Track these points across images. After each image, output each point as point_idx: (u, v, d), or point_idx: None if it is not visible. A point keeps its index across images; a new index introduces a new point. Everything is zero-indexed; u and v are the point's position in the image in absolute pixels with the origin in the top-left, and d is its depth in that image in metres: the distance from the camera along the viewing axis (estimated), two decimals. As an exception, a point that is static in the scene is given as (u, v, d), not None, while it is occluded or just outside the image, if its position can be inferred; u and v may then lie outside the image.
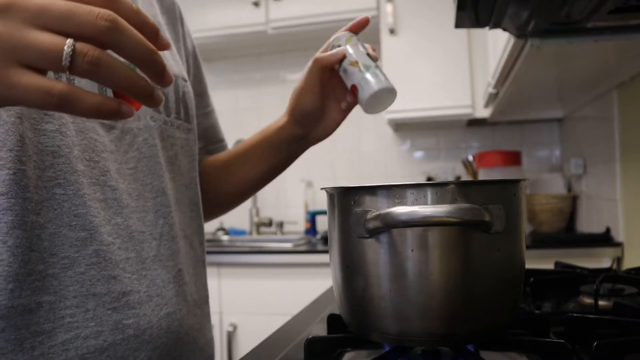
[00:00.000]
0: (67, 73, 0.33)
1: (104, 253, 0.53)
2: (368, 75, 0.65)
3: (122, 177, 0.57)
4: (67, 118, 0.52)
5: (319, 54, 0.69)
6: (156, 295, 0.58)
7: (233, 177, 0.80)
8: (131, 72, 0.35)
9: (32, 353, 0.48)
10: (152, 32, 0.37)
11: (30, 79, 0.33)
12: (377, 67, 0.66)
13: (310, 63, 0.69)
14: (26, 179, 0.48)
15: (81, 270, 0.51)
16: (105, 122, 0.57)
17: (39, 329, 0.49)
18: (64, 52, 0.33)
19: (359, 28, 0.71)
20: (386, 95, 0.66)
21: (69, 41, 0.33)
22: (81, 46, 0.33)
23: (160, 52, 0.65)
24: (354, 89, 0.66)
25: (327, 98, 0.72)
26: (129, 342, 0.54)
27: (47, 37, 0.33)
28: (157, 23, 0.70)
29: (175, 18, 0.76)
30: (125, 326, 0.54)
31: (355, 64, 0.66)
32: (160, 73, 0.37)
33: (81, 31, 0.33)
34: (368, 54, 0.67)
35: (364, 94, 0.65)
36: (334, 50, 0.68)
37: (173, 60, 0.69)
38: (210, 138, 0.84)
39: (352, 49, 0.67)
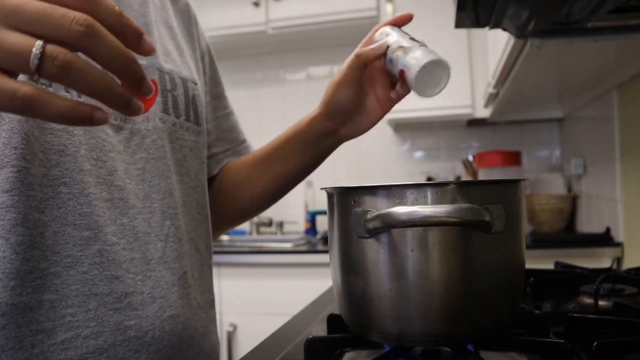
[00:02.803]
0: (36, 76, 0.32)
1: (108, 253, 0.53)
2: (413, 54, 0.60)
3: (129, 178, 0.57)
4: None
5: (360, 49, 0.65)
6: (160, 297, 0.57)
7: (263, 177, 0.77)
8: (106, 78, 0.34)
9: (31, 351, 0.48)
10: (134, 37, 0.35)
11: None
12: (422, 45, 0.62)
13: (351, 57, 0.66)
14: (30, 176, 0.48)
15: (84, 270, 0.51)
16: (114, 122, 0.57)
17: (40, 327, 0.48)
18: (32, 54, 0.31)
19: (401, 22, 0.67)
20: (437, 70, 0.60)
21: (38, 43, 0.32)
22: (52, 49, 0.32)
23: (169, 55, 0.65)
24: (402, 75, 0.61)
25: (365, 95, 0.69)
26: (129, 344, 0.53)
27: (17, 38, 0.32)
28: (170, 27, 0.69)
29: (189, 20, 0.76)
30: (126, 327, 0.53)
31: (398, 49, 0.62)
32: (137, 82, 0.35)
33: (54, 34, 0.32)
34: (412, 38, 0.63)
35: (411, 73, 0.59)
36: (376, 44, 0.64)
37: (182, 64, 0.69)
38: (234, 139, 0.83)
39: (394, 38, 0.63)
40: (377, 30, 0.67)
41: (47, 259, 0.49)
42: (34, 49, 0.32)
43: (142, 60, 0.61)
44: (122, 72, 0.35)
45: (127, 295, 0.54)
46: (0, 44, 0.32)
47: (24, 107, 0.32)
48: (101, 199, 0.53)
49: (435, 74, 0.60)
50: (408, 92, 0.66)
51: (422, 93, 0.61)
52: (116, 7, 0.35)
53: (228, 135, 0.82)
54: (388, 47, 0.63)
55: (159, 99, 0.62)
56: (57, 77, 0.32)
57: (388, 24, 0.67)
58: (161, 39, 0.66)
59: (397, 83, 0.67)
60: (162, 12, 0.69)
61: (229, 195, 0.79)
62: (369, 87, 0.69)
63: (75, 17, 0.32)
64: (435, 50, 0.61)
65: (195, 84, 0.70)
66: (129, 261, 0.55)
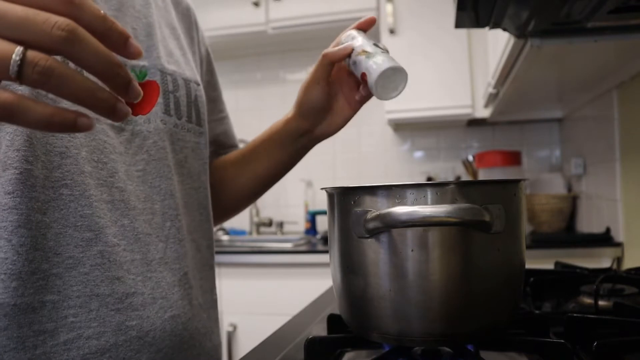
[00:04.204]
0: (19, 83, 0.31)
1: (109, 254, 0.53)
2: (374, 59, 0.65)
3: (130, 179, 0.57)
4: None
5: (327, 50, 0.69)
6: (161, 298, 0.57)
7: (242, 176, 0.80)
8: (88, 83, 0.33)
9: (34, 352, 0.48)
10: (119, 40, 0.34)
11: None
12: (383, 52, 0.66)
13: (319, 58, 0.69)
14: (33, 178, 0.49)
15: (85, 271, 0.51)
16: (115, 124, 0.57)
17: (42, 327, 0.49)
18: (12, 60, 0.31)
19: (366, 26, 0.72)
20: (396, 76, 0.65)
21: (18, 49, 0.31)
22: (32, 55, 0.31)
23: (172, 56, 0.66)
24: (363, 77, 0.66)
25: (335, 93, 0.72)
26: (131, 344, 0.54)
27: None
28: (173, 28, 0.69)
29: (190, 23, 0.77)
30: (128, 327, 0.53)
31: (362, 53, 0.66)
32: (124, 86, 0.34)
33: (36, 40, 0.31)
34: (375, 44, 0.68)
35: (372, 77, 0.64)
36: (342, 46, 0.69)
37: (186, 64, 0.69)
38: (222, 144, 0.84)
39: (359, 42, 0.68)
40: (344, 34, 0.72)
41: (49, 260, 0.50)
42: (13, 55, 0.31)
43: (144, 62, 0.61)
44: (106, 76, 0.34)
45: (129, 295, 0.54)
46: None
47: (4, 114, 0.32)
48: (102, 201, 0.53)
49: (394, 79, 0.65)
50: (370, 95, 0.69)
51: (380, 96, 0.67)
52: (101, 11, 0.34)
53: (218, 139, 0.84)
54: (353, 49, 0.67)
55: (160, 100, 0.62)
56: (38, 83, 0.31)
57: (354, 28, 0.71)
58: (164, 40, 0.66)
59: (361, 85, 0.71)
60: (165, 13, 0.70)
61: (212, 193, 0.80)
62: (337, 88, 0.72)
63: (57, 22, 0.31)
64: (394, 58, 0.66)
65: (198, 84, 0.70)
66: (130, 262, 0.55)
